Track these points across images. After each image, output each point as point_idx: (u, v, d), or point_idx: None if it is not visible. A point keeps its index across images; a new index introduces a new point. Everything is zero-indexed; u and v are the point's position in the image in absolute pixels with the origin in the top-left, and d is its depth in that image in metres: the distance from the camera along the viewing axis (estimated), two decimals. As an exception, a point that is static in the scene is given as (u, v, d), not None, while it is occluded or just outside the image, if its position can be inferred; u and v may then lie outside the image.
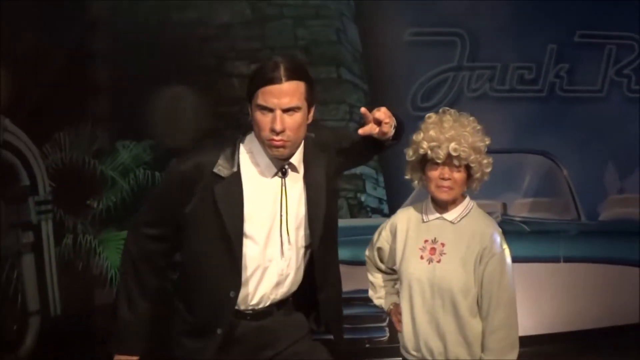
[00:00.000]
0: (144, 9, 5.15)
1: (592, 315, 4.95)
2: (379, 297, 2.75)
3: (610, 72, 5.34)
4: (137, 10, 5.15)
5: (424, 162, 2.50)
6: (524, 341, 4.80)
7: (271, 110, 2.22)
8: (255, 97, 2.24)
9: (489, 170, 2.50)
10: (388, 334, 4.65)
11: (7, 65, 4.61)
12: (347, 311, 4.56)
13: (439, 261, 2.49)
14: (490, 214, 4.89)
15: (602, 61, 5.32)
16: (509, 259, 2.51)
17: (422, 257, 2.52)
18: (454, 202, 2.52)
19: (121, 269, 2.47)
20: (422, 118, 2.53)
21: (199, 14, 5.24)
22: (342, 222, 4.94)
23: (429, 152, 2.44)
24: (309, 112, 2.31)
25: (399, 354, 2.66)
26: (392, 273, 2.70)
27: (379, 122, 2.31)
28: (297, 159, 2.34)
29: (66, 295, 5.10)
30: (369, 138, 2.36)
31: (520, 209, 5.28)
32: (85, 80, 5.19)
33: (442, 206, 2.53)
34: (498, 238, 2.49)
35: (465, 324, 2.46)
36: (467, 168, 2.47)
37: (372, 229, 2.76)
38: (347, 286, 4.38)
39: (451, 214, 2.53)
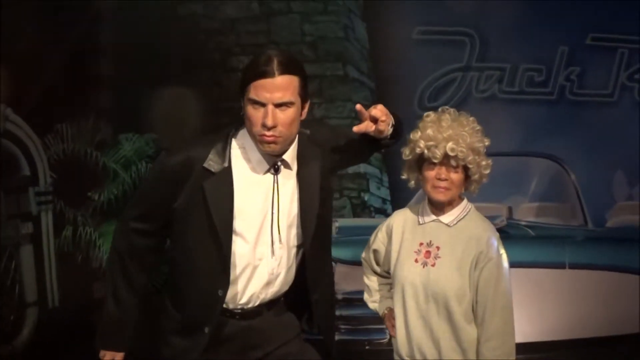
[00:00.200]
0: (149, 2, 5.13)
1: (596, 323, 4.87)
2: (374, 301, 2.69)
3: (622, 76, 5.27)
4: (142, 3, 5.13)
5: (421, 162, 2.44)
6: (527, 348, 4.76)
7: (263, 104, 2.17)
8: (248, 91, 2.19)
9: (487, 172, 2.43)
10: (388, 336, 4.57)
11: (10, 56, 4.60)
12: (347, 312, 4.57)
13: (433, 265, 2.43)
14: (495, 217, 4.91)
15: (614, 65, 5.26)
16: (506, 264, 2.44)
17: (416, 261, 2.45)
18: (450, 204, 2.46)
19: (108, 264, 2.43)
20: (429, 118, 2.45)
21: (205, 8, 5.22)
22: (345, 222, 4.93)
23: (426, 151, 2.37)
24: (303, 107, 2.25)
25: (396, 358, 2.59)
26: (387, 276, 2.64)
27: (375, 120, 2.25)
28: (290, 155, 2.29)
29: (65, 287, 5.08)
30: (366, 136, 2.31)
31: (526, 213, 5.23)
32: (89, 72, 5.19)
33: (439, 208, 2.47)
34: (495, 242, 2.42)
35: (460, 330, 2.39)
36: (465, 169, 2.40)
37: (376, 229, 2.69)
38: (348, 286, 4.35)
39: (447, 217, 2.46)
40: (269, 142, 2.20)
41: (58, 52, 4.84)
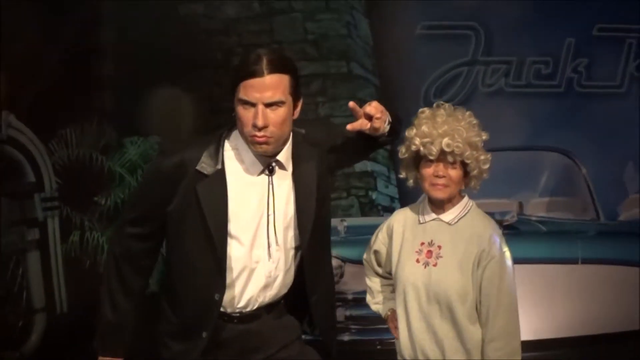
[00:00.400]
0: (150, 2, 5.11)
1: (610, 319, 4.81)
2: (376, 302, 2.64)
3: (631, 67, 5.20)
4: (144, 4, 5.11)
5: (418, 160, 2.38)
6: (539, 345, 4.69)
7: (253, 104, 2.14)
8: (237, 91, 2.15)
9: (487, 167, 2.37)
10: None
11: (12, 61, 4.60)
12: (357, 312, 4.52)
13: (435, 265, 2.37)
14: (505, 213, 4.84)
15: (622, 56, 5.18)
16: (509, 262, 2.37)
17: (417, 261, 2.40)
18: (451, 202, 2.40)
19: (105, 269, 2.41)
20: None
21: (206, 8, 5.19)
22: (353, 221, 4.88)
23: (422, 148, 2.32)
24: (295, 106, 2.21)
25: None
26: (389, 277, 2.59)
27: (369, 118, 2.21)
28: (284, 155, 2.26)
29: (73, 292, 5.08)
30: (363, 134, 2.27)
31: (537, 208, 5.17)
32: (91, 75, 5.18)
33: (439, 206, 2.41)
34: (497, 240, 2.36)
35: (463, 330, 2.34)
36: (464, 165, 2.34)
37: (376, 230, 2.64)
38: (357, 286, 4.30)
39: (448, 215, 2.40)
40: (261, 143, 2.16)
41: (59, 56, 4.83)
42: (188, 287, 2.27)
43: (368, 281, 2.65)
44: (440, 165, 2.33)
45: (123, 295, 2.33)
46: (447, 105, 2.37)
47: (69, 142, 5.20)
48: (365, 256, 2.63)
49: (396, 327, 2.49)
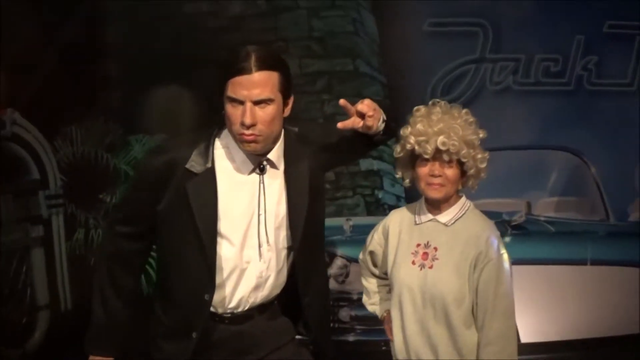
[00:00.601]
0: (155, 1, 5.09)
1: (619, 321, 4.75)
2: (373, 303, 2.60)
3: (641, 64, 5.10)
4: (149, 2, 5.09)
5: (414, 159, 2.33)
6: (547, 347, 4.62)
7: (241, 102, 2.10)
8: (226, 88, 2.13)
9: (484, 165, 2.31)
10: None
11: (17, 59, 4.60)
12: (363, 312, 4.47)
13: (431, 267, 2.32)
14: (514, 212, 4.78)
15: (633, 53, 5.09)
16: (507, 265, 2.31)
17: (413, 263, 2.35)
18: (447, 203, 2.35)
19: (96, 267, 2.40)
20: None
21: (211, 6, 5.16)
22: (359, 220, 4.83)
23: (417, 147, 2.27)
24: (286, 104, 2.17)
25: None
26: (386, 278, 2.54)
27: (362, 115, 2.15)
28: (276, 154, 2.21)
29: (77, 290, 5.08)
30: (358, 133, 2.21)
31: (546, 208, 5.11)
32: (97, 74, 5.18)
33: (436, 207, 2.36)
34: (495, 241, 2.30)
35: (458, 335, 2.28)
36: (461, 164, 2.29)
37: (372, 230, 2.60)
38: (362, 287, 4.26)
39: (445, 216, 2.35)
40: (249, 141, 2.12)
41: (65, 54, 4.83)
42: (178, 286, 2.24)
43: (364, 281, 2.60)
44: (436, 165, 2.28)
45: (114, 295, 2.31)
46: (443, 102, 2.32)
47: (74, 139, 5.21)
48: (361, 256, 2.59)
49: (391, 329, 2.43)
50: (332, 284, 4.62)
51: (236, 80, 2.10)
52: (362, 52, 5.21)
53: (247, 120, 2.09)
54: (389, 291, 2.53)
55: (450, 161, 2.27)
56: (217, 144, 2.22)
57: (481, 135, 2.29)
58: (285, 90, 2.14)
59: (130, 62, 5.18)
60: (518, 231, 4.70)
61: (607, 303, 4.74)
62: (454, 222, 2.34)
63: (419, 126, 2.26)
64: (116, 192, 5.28)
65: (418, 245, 2.36)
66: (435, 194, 2.31)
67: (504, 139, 4.88)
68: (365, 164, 5.15)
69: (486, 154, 2.32)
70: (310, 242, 2.27)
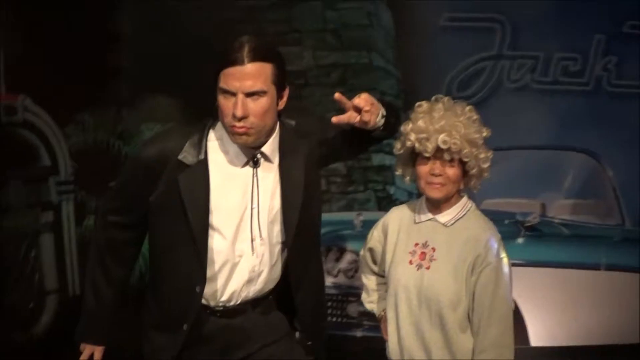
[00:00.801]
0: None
1: (633, 328, 4.65)
2: (371, 301, 2.55)
3: (663, 66, 4.96)
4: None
5: (415, 156, 2.26)
6: (558, 352, 4.54)
7: (233, 94, 2.07)
8: (219, 79, 2.09)
9: (487, 165, 2.23)
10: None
11: (29, 45, 4.59)
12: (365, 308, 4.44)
13: (428, 268, 2.25)
14: (528, 214, 4.71)
15: (654, 54, 4.94)
16: (506, 269, 2.24)
17: (411, 262, 2.29)
18: (448, 202, 2.27)
19: (88, 257, 2.39)
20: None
21: (223, -4, 5.10)
22: (369, 215, 4.77)
23: (417, 144, 2.20)
24: (280, 97, 2.13)
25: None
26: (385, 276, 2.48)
27: (359, 110, 2.09)
28: (270, 147, 2.18)
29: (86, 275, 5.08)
30: (357, 129, 2.15)
31: (560, 210, 5.00)
32: (109, 61, 5.15)
33: (436, 206, 2.29)
34: (495, 244, 2.22)
35: (452, 339, 2.22)
36: (462, 164, 2.21)
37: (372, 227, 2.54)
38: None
39: (444, 216, 2.28)
40: (240, 134, 2.09)
41: (77, 41, 4.81)
42: (169, 278, 2.23)
43: (364, 279, 2.55)
44: (437, 163, 2.21)
45: (105, 284, 2.31)
46: (446, 99, 2.24)
47: (86, 127, 5.20)
48: (361, 253, 2.54)
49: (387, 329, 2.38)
50: (342, 279, 4.57)
51: (228, 71, 2.07)
52: (377, 45, 5.11)
53: (238, 113, 2.05)
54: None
55: (451, 160, 2.20)
56: (211, 136, 2.19)
57: (485, 134, 2.21)
58: (280, 82, 2.10)
59: (143, 50, 5.15)
60: (532, 233, 4.64)
61: (620, 309, 4.67)
62: (453, 223, 2.28)
63: (420, 123, 2.19)
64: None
65: (416, 244, 2.30)
66: (435, 193, 2.24)
67: (520, 139, 4.79)
68: (378, 158, 5.07)
69: (489, 153, 2.24)
70: (304, 238, 2.24)
